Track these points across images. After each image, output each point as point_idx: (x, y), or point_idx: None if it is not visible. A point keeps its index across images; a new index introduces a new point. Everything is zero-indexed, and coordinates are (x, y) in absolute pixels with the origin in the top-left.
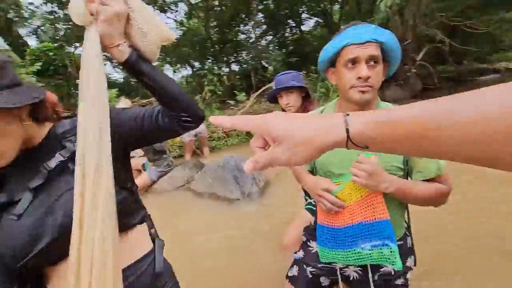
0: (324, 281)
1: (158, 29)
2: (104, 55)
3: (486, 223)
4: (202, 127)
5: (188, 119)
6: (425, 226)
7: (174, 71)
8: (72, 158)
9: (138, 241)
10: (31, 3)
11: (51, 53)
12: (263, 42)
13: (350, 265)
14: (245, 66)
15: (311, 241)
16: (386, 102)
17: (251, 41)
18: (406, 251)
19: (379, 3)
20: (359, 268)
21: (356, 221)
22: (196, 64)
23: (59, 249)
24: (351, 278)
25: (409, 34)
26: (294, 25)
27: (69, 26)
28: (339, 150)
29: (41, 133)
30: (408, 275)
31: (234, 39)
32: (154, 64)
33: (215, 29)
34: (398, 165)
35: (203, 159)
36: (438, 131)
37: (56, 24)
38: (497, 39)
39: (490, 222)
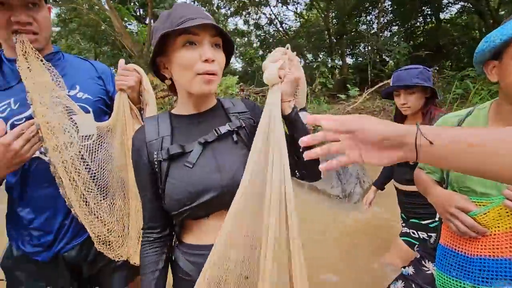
0: None
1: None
2: None
3: None
4: None
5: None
6: None
7: None
8: (236, 131)
9: None
10: None
11: None
12: (386, 33)
13: None
14: (361, 59)
15: (427, 260)
16: None
17: (372, 32)
18: None
19: None
20: None
21: (501, 255)
22: (309, 56)
23: (213, 207)
24: None
25: None
26: (429, 12)
27: None
28: None
29: (215, 101)
30: None
31: (354, 30)
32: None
33: (334, 20)
34: None
35: None
36: None
37: None
38: None
39: None
